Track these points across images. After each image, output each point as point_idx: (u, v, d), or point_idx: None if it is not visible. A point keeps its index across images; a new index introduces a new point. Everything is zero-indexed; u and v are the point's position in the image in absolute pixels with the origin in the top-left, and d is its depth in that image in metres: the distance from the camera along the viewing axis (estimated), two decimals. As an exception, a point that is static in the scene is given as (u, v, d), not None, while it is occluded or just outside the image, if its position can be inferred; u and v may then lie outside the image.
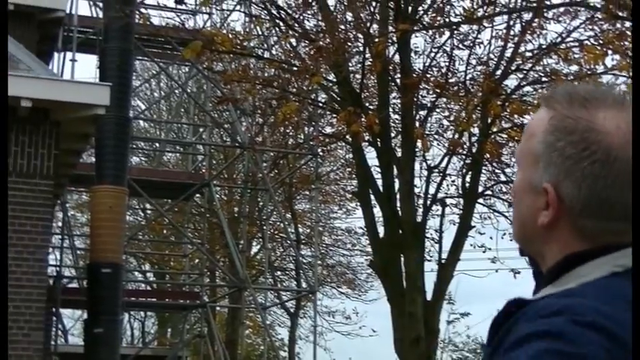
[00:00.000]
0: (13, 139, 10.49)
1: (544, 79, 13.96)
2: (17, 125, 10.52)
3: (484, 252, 16.93)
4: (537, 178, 1.60)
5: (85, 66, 45.20)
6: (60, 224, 20.67)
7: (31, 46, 13.84)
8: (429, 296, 14.06)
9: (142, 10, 16.64)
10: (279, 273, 29.97)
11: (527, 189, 1.62)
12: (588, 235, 1.56)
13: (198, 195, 24.09)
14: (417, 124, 14.38)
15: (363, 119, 12.58)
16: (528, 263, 1.71)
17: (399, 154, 14.26)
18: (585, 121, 1.56)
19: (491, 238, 17.72)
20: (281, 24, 14.30)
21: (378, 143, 14.12)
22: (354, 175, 24.25)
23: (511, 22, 13.95)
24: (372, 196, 14.54)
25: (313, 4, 13.74)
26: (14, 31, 13.88)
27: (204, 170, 23.78)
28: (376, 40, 12.51)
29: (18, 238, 10.31)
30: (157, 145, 29.51)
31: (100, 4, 19.28)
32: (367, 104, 15.17)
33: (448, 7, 13.96)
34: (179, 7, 21.65)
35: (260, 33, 16.67)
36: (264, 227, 23.77)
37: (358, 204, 17.17)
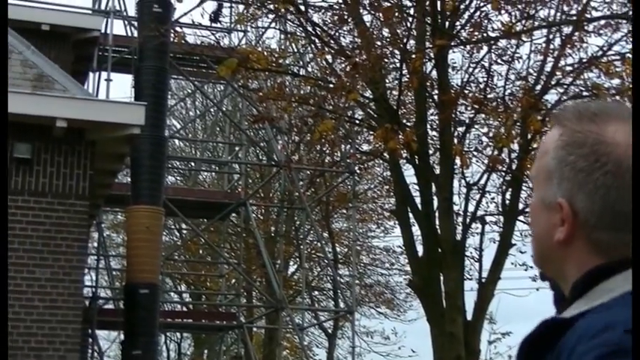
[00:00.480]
0: (49, 160, 10.59)
1: (585, 93, 13.83)
2: (52, 146, 10.62)
3: (525, 270, 16.80)
4: (551, 194, 1.62)
5: (120, 85, 45.70)
6: (95, 245, 20.81)
7: (66, 66, 14.03)
8: (469, 316, 13.94)
9: (177, 28, 16.79)
10: (316, 293, 29.90)
11: (543, 207, 1.65)
12: (604, 249, 1.58)
13: (234, 214, 24.16)
14: (456, 140, 14.31)
15: (400, 136, 12.54)
16: (550, 288, 1.70)
17: (438, 171, 14.19)
18: (595, 134, 1.59)
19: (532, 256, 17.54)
20: (317, 41, 14.32)
21: (416, 160, 14.07)
22: (391, 193, 24.18)
23: (550, 36, 13.86)
24: (411, 214, 14.46)
25: (349, 20, 13.76)
26: (49, 51, 14.08)
27: (240, 189, 23.84)
28: (413, 56, 12.49)
29: (54, 259, 10.39)
30: (193, 164, 29.66)
31: (135, 24, 19.46)
32: (404, 121, 15.14)
33: (486, 21, 13.90)
34: (214, 25, 21.80)
35: (295, 50, 16.74)
36: (301, 246, 23.74)
37: (396, 222, 17.10)
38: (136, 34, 19.17)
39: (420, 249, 14.42)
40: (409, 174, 15.09)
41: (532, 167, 1.72)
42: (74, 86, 11.09)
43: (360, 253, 28.02)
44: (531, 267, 16.63)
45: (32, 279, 10.32)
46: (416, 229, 14.52)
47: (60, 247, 10.46)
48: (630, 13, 11.28)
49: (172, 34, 15.87)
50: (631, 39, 12.04)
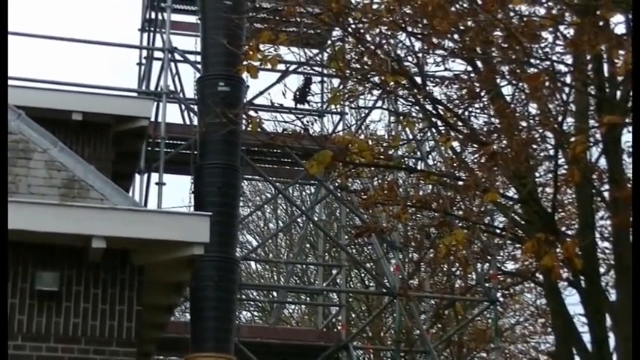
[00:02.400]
0: (82, 293, 10.70)
1: None
2: (87, 274, 10.73)
3: None
4: None
5: (176, 191, 46.22)
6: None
7: (105, 167, 14.28)
8: None
9: (251, 112, 17.03)
10: None
11: None
12: None
13: (332, 361, 23.97)
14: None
15: (558, 249, 12.35)
16: None
17: (614, 297, 13.91)
18: None
19: None
20: (439, 123, 14.33)
21: (582, 282, 13.82)
22: (548, 329, 23.72)
23: None
24: (577, 358, 14.17)
25: (482, 94, 13.76)
26: (83, 148, 14.40)
27: (340, 327, 23.72)
28: (572, 139, 12.37)
29: None
30: (275, 294, 29.70)
31: (195, 108, 19.82)
32: (564, 228, 14.94)
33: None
34: (300, 106, 22.07)
35: (411, 137, 16.78)
36: (426, 405, 23.43)
37: (557, 369, 16.73)
38: (195, 121, 19.52)
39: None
40: (573, 301, 14.82)
41: None
42: (115, 193, 11.25)
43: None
44: None
45: None
46: (585, 379, 14.20)
47: (98, 410, 10.49)
48: None
49: (245, 121, 16.09)
50: (632, 39, 11.83)
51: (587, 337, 14.06)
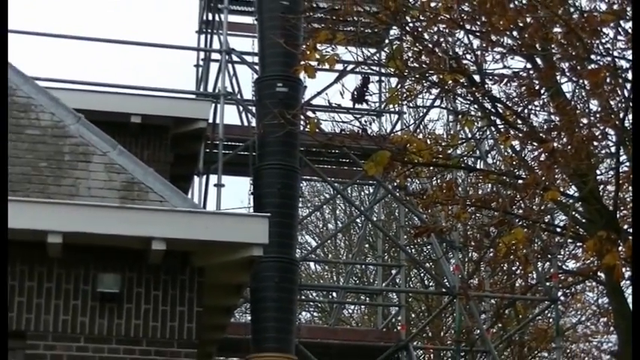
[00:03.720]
0: (143, 295, 10.73)
1: None
2: (147, 275, 10.76)
3: None
4: None
5: (235, 192, 46.35)
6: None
7: (164, 169, 14.34)
8: None
9: (309, 113, 17.00)
10: None
11: None
12: None
13: (393, 361, 23.91)
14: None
15: (620, 248, 12.22)
16: None
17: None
18: None
19: None
20: (498, 121, 14.24)
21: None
22: (611, 328, 23.50)
23: None
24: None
25: (542, 91, 13.65)
26: (142, 150, 14.46)
27: (400, 327, 23.66)
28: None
29: None
30: (335, 294, 29.69)
31: (253, 109, 19.85)
32: (626, 226, 14.78)
33: None
34: (358, 106, 22.02)
35: (470, 135, 16.66)
36: (488, 404, 23.31)
37: (620, 369, 16.57)
38: (253, 122, 19.54)
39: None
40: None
41: None
42: (174, 195, 11.27)
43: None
44: None
45: None
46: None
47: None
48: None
49: (303, 121, 16.07)
50: (632, 39, 11.62)
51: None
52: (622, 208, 15.03)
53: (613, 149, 13.74)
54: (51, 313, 10.46)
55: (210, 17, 23.61)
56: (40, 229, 10.21)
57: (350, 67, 19.74)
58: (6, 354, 9.43)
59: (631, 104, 13.38)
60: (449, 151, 15.50)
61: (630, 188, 14.79)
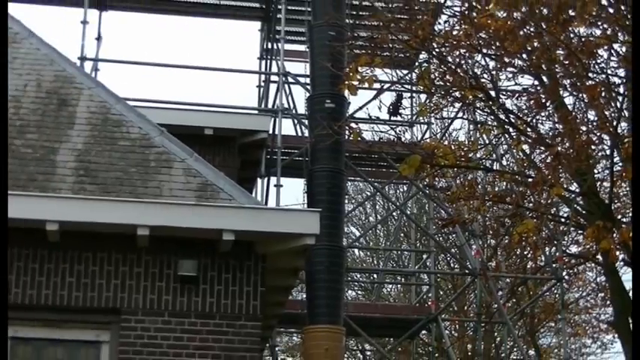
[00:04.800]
0: (216, 277, 10.76)
1: None
2: (219, 261, 10.80)
3: None
4: None
5: (291, 191, 46.57)
6: (270, 370, 20.97)
7: (232, 172, 14.38)
8: None
9: (352, 124, 17.00)
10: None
11: None
12: None
13: (424, 332, 23.86)
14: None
15: (615, 234, 12.12)
16: None
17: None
18: None
19: None
20: (511, 129, 14.16)
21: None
22: (608, 302, 23.29)
23: None
24: (633, 327, 13.87)
25: (547, 104, 13.56)
26: (214, 157, 14.50)
27: (430, 303, 23.59)
28: (625, 140, 12.14)
29: (225, 387, 10.48)
30: (375, 276, 29.65)
31: (306, 122, 19.87)
32: (619, 217, 14.66)
33: None
34: (393, 118, 21.99)
35: (487, 142, 16.59)
36: (504, 367, 23.19)
37: (615, 336, 16.45)
38: (306, 133, 19.56)
39: (647, 368, 13.74)
40: (628, 278, 14.52)
41: None
42: (241, 195, 11.29)
43: (573, 374, 27.14)
44: None
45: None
46: (641, 345, 13.88)
47: (230, 375, 10.53)
48: None
49: (347, 131, 16.07)
50: (632, 39, 11.43)
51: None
52: (616, 201, 14.90)
53: (608, 152, 13.64)
54: (140, 292, 10.51)
55: (269, 46, 23.66)
56: (130, 224, 10.28)
57: (386, 85, 19.71)
58: (6, 353, 9.21)
59: (625, 113, 13.29)
60: (470, 155, 15.43)
61: (623, 184, 14.66)
